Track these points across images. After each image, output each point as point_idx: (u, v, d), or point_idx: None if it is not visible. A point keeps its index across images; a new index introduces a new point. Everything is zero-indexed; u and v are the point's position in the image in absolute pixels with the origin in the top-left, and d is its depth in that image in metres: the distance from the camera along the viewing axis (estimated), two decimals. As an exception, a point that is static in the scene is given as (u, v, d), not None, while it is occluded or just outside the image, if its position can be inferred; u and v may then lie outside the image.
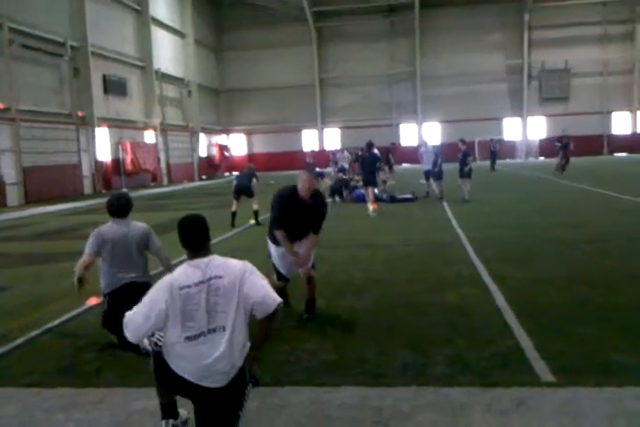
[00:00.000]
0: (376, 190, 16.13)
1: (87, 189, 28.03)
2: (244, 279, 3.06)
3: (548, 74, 43.48)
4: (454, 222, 12.04)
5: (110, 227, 5.15)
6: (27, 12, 23.91)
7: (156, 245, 5.23)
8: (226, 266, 3.12)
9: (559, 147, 27.40)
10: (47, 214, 18.75)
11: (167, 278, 3.09)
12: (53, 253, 10.59)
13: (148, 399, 3.77)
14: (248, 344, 3.14)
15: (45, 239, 12.70)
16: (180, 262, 3.28)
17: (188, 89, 39.89)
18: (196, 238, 3.16)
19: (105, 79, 29.76)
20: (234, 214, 13.01)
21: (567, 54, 42.61)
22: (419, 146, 22.91)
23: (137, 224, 5.27)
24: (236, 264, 3.15)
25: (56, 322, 5.88)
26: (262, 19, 44.31)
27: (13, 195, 23.14)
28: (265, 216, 12.57)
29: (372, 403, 3.69)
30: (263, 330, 3.13)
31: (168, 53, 37.29)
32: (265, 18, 44.27)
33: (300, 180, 5.39)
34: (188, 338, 3.01)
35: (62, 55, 26.21)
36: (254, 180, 13.17)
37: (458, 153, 16.82)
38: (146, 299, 3.09)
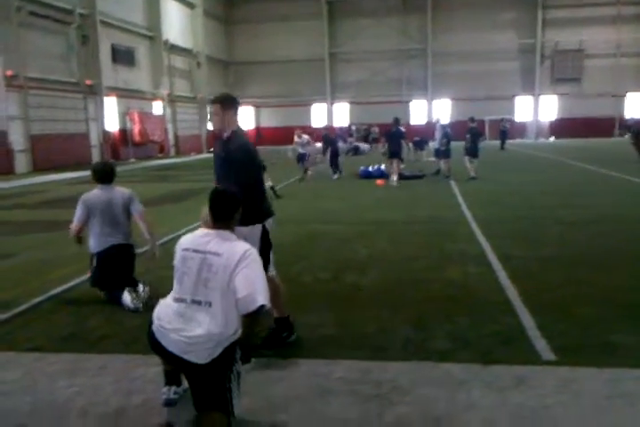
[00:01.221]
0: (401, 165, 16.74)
1: (95, 158, 28.03)
2: (238, 268, 2.95)
3: (561, 54, 42.80)
4: (461, 200, 11.99)
5: (95, 193, 5.46)
6: (35, -22, 23.61)
7: (139, 209, 5.53)
8: (230, 247, 3.04)
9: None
10: (54, 182, 18.80)
11: (182, 238, 3.22)
12: (59, 221, 10.56)
13: (151, 366, 3.81)
14: (239, 330, 3.05)
15: (52, 207, 12.74)
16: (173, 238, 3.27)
17: (196, 60, 39.52)
18: (219, 209, 3.14)
19: (113, 48, 29.55)
20: None
21: (581, 35, 41.85)
22: (433, 123, 22.55)
23: (121, 189, 5.59)
24: (239, 248, 3.04)
25: (60, 289, 5.91)
26: (274, -10, 43.65)
27: (22, 162, 23.22)
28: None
29: (372, 376, 3.71)
30: (245, 325, 3.03)
31: (177, 24, 36.86)
32: (276, -11, 43.61)
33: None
34: (176, 300, 3.05)
35: (71, 23, 25.99)
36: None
37: (466, 131, 16.72)
38: None
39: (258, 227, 4.13)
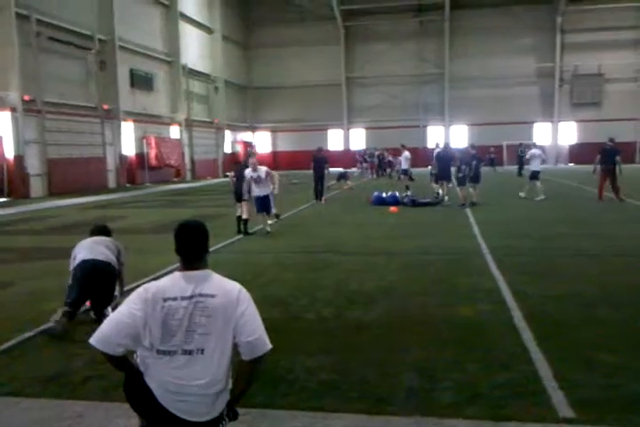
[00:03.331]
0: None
1: (111, 182, 28.15)
2: (241, 308, 2.72)
3: (581, 78, 42.48)
4: (476, 230, 11.62)
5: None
6: (55, 5, 24.03)
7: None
8: (221, 286, 2.79)
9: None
10: (69, 207, 18.76)
11: (152, 287, 2.78)
12: (65, 248, 10.34)
13: (131, 418, 3.49)
14: (230, 383, 2.79)
15: (61, 233, 12.59)
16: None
17: (214, 85, 39.85)
18: (192, 247, 2.82)
19: (131, 73, 29.85)
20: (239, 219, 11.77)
21: (600, 59, 41.58)
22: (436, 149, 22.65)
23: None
24: (233, 287, 2.81)
25: (51, 324, 5.65)
26: (291, 16, 44.09)
27: (37, 186, 23.29)
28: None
29: (370, 434, 3.37)
30: (247, 373, 2.77)
31: (195, 49, 37.28)
32: (293, 15, 44.05)
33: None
34: (162, 352, 2.70)
35: (89, 48, 26.31)
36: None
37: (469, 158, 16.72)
38: (122, 306, 2.78)
39: None
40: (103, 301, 5.75)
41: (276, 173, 12.00)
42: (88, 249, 5.83)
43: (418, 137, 43.20)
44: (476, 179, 16.49)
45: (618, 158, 16.41)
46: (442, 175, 17.40)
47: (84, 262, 5.69)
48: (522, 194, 17.94)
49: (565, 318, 5.53)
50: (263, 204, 11.52)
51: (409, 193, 18.06)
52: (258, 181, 11.46)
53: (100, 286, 5.70)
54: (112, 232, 6.55)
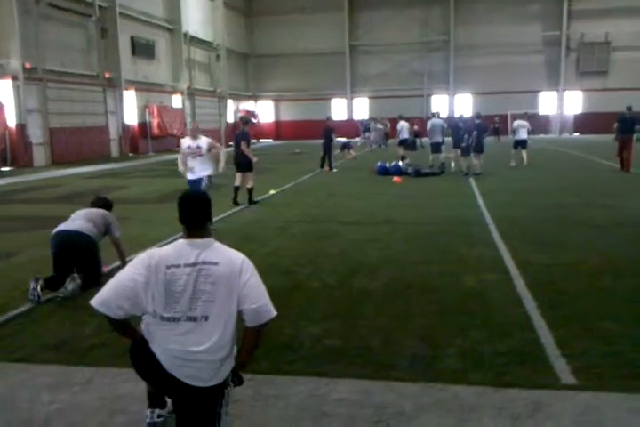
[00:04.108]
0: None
1: (114, 151, 28.03)
2: (243, 277, 2.74)
3: (587, 47, 41.73)
4: (480, 200, 11.61)
5: None
6: (54, -30, 23.51)
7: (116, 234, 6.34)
8: (224, 254, 2.81)
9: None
10: (71, 176, 18.73)
11: (155, 253, 2.78)
12: (69, 217, 10.47)
13: (139, 382, 3.53)
14: (235, 350, 2.84)
15: (65, 202, 12.59)
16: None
17: (216, 53, 39.31)
18: (195, 215, 2.84)
19: (133, 41, 29.42)
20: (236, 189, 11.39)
21: (607, 27, 40.72)
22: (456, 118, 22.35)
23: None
24: (236, 256, 2.82)
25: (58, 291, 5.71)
26: (294, -18, 43.23)
27: (40, 155, 23.21)
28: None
29: (374, 399, 3.42)
30: (251, 340, 2.80)
31: (197, 16, 36.65)
32: (297, -19, 43.18)
33: None
34: (166, 319, 2.71)
35: (90, 15, 25.87)
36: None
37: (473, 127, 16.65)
38: (124, 270, 2.79)
39: None
40: (88, 275, 5.78)
41: (222, 147, 9.96)
42: (68, 221, 6.04)
43: (422, 106, 42.79)
44: (479, 148, 16.35)
45: (638, 127, 16.29)
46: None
47: (56, 234, 5.89)
48: (512, 164, 18.44)
49: (569, 287, 5.56)
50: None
51: (406, 162, 18.00)
52: (196, 154, 9.07)
53: (75, 256, 5.76)
54: (112, 204, 6.64)
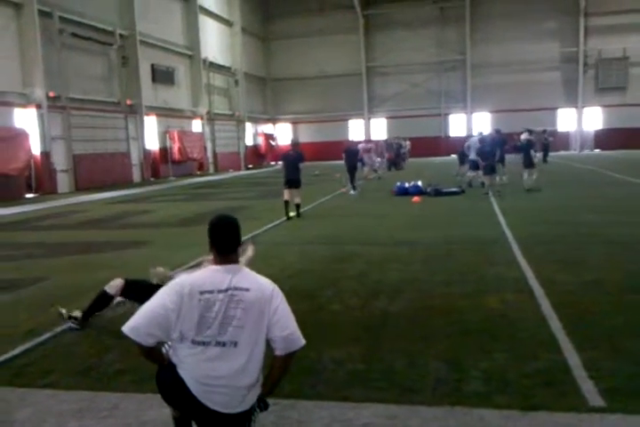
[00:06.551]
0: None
1: (136, 177, 28.44)
2: (274, 305, 2.79)
3: (605, 63, 41.62)
4: (501, 218, 11.54)
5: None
6: (76, 1, 24.21)
7: None
8: (255, 280, 2.86)
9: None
10: (95, 202, 19.02)
11: (187, 280, 2.81)
12: (94, 242, 10.64)
13: (164, 407, 3.57)
14: (261, 377, 2.86)
15: (89, 228, 12.80)
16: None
17: (235, 78, 39.92)
18: (228, 241, 2.88)
19: (153, 68, 30.05)
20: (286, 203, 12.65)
21: (625, 42, 40.65)
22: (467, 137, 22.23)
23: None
24: (266, 283, 2.88)
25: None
26: (309, 6, 43.92)
27: (64, 182, 23.64)
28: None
29: (399, 424, 3.40)
30: (280, 367, 2.83)
31: (215, 42, 37.37)
32: (312, 5, 43.90)
33: None
34: (196, 342, 2.74)
35: (111, 44, 26.51)
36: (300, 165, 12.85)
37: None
38: (155, 297, 2.80)
39: None
40: None
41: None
42: None
43: (439, 126, 42.88)
44: (528, 163, 16.36)
45: None
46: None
47: None
48: (526, 186, 16.30)
49: (594, 307, 5.48)
50: None
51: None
52: None
53: None
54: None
